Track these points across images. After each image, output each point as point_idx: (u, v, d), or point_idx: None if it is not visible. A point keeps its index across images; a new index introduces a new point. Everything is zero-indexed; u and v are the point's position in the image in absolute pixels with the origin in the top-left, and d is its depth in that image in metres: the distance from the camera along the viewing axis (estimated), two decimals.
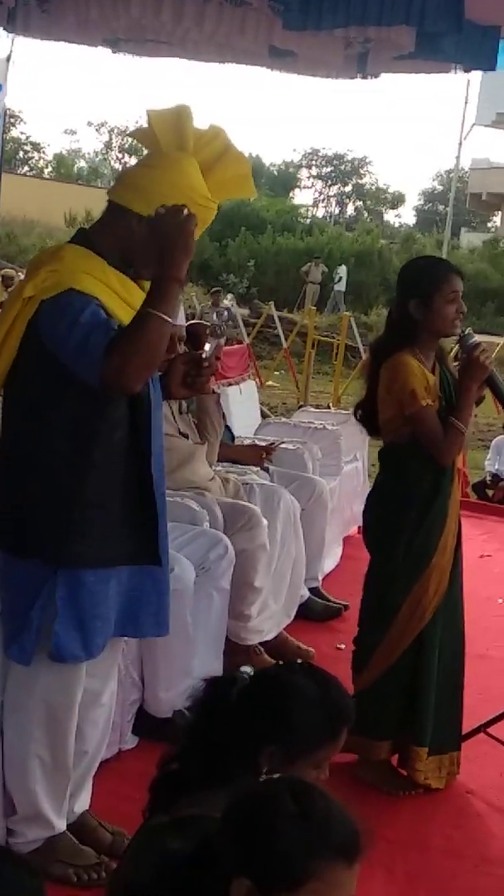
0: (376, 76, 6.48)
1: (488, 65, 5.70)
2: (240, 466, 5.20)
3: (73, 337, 2.63)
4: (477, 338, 3.73)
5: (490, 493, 12.03)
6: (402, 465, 3.76)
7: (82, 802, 3.18)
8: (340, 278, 29.21)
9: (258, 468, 5.30)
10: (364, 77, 6.41)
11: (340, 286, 29.15)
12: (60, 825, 3.03)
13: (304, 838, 1.66)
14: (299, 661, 2.37)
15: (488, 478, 12.28)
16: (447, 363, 3.84)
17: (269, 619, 4.79)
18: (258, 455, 5.32)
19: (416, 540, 3.71)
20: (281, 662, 2.38)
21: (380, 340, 3.89)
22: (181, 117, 2.89)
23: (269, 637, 4.78)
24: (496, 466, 12.27)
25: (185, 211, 2.68)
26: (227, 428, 5.52)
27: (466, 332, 3.71)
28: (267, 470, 5.33)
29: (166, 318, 2.64)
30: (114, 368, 2.60)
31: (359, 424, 4.03)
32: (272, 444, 5.65)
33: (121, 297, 2.75)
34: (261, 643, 4.71)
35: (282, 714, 2.12)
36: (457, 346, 3.89)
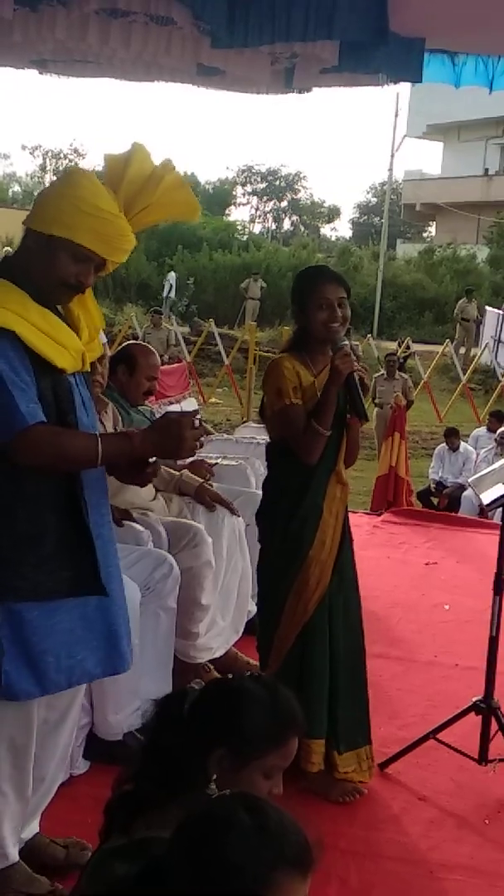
0: (306, 90, 6.54)
1: (415, 76, 5.77)
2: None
3: None
4: (347, 343, 3.78)
5: (435, 500, 12.16)
6: (274, 462, 3.94)
7: (31, 829, 3.15)
8: (171, 286, 29.44)
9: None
10: (293, 92, 6.46)
11: (171, 294, 29.35)
12: (15, 855, 3.00)
13: (260, 852, 1.65)
14: (249, 672, 2.37)
15: (432, 486, 12.41)
16: (335, 366, 3.77)
17: (217, 637, 4.78)
18: (202, 472, 5.30)
19: (288, 535, 3.81)
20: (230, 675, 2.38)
21: (281, 348, 4.06)
22: (130, 156, 2.91)
23: (218, 654, 4.77)
24: (440, 474, 12.41)
25: (196, 423, 2.76)
26: None
27: (339, 337, 3.76)
28: (211, 486, 5.31)
29: (99, 459, 2.73)
30: (24, 451, 2.65)
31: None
32: (213, 464, 5.63)
33: (41, 330, 2.72)
34: (210, 661, 4.69)
35: (230, 716, 2.12)
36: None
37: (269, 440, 4.00)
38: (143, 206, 2.92)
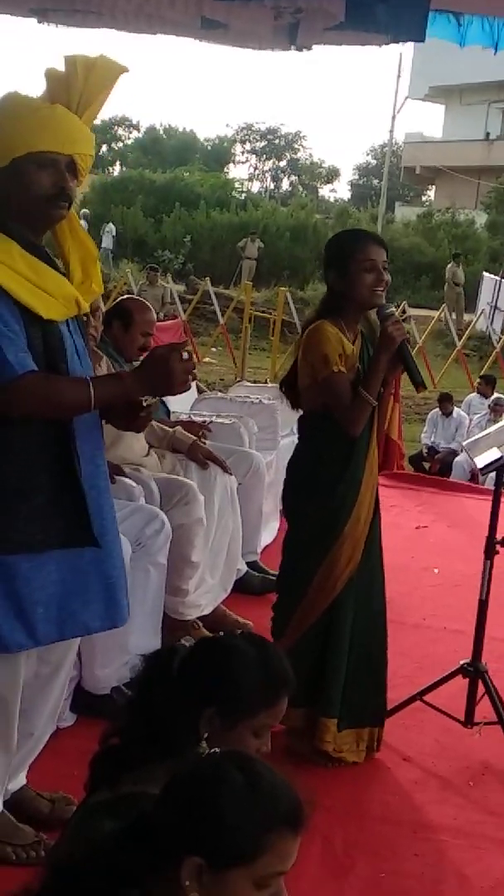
0: (308, 48, 6.46)
1: (417, 36, 5.69)
2: None
3: None
4: (394, 309, 3.73)
5: (426, 465, 12.18)
6: (315, 434, 3.78)
7: (18, 781, 3.16)
8: (112, 235, 29.16)
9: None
10: (296, 49, 6.39)
11: (107, 243, 28.94)
12: None
13: (255, 811, 1.65)
14: (240, 630, 2.37)
15: (424, 451, 12.44)
16: (375, 338, 3.79)
17: (206, 594, 4.79)
18: (195, 431, 5.30)
19: (327, 508, 3.72)
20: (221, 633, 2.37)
21: (309, 315, 3.91)
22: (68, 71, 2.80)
23: (206, 611, 4.79)
24: (432, 439, 12.43)
25: (185, 355, 2.70)
26: (163, 403, 5.48)
27: (384, 304, 3.70)
28: (204, 444, 5.30)
29: (91, 403, 2.68)
30: (15, 402, 2.62)
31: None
32: (206, 422, 5.63)
33: (28, 280, 2.68)
34: (199, 618, 4.71)
35: (221, 675, 2.12)
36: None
37: (304, 411, 3.84)
38: (97, 106, 2.84)
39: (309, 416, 3.82)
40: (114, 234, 29.03)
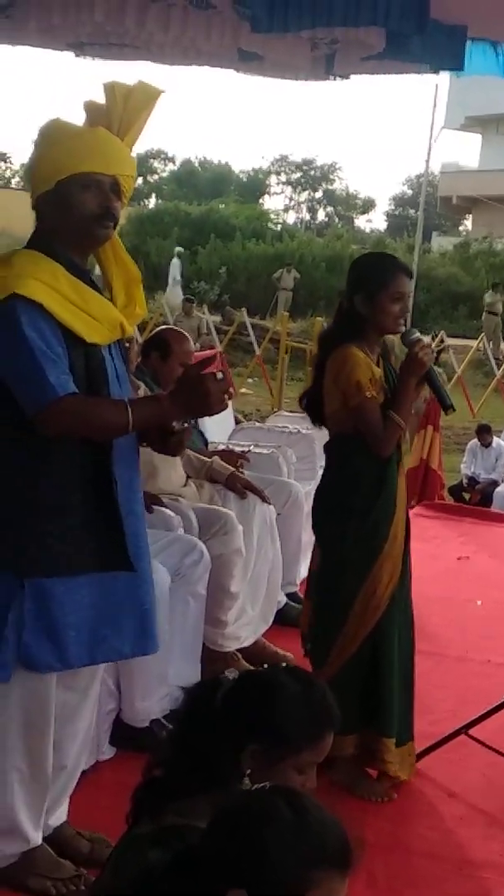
0: (345, 77, 6.48)
1: (455, 65, 5.70)
2: None
3: (17, 357, 2.62)
4: (419, 334, 3.76)
5: (466, 496, 12.08)
6: (347, 457, 3.79)
7: (58, 816, 3.13)
8: (179, 269, 28.79)
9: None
10: (333, 78, 6.40)
11: (175, 273, 28.54)
12: (37, 838, 2.98)
13: (302, 848, 1.63)
14: (284, 663, 2.34)
15: (464, 481, 12.33)
16: (391, 360, 3.90)
17: (246, 626, 4.76)
18: (233, 461, 5.28)
19: (365, 530, 3.72)
20: (265, 666, 2.34)
21: (328, 332, 3.95)
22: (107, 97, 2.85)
23: (246, 643, 4.75)
24: (472, 469, 12.33)
25: (220, 375, 2.71)
26: (201, 433, 5.47)
27: (409, 329, 3.75)
28: (243, 475, 5.27)
29: (131, 426, 2.70)
30: (55, 423, 2.64)
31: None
32: (245, 451, 5.61)
33: (72, 302, 2.71)
34: (238, 649, 4.67)
35: (265, 711, 2.09)
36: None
37: (332, 434, 3.86)
38: (137, 129, 2.88)
39: (337, 440, 3.84)
40: (180, 267, 28.94)
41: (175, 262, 28.60)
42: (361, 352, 3.68)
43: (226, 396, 2.77)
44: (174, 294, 26.70)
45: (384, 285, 3.65)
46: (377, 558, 3.73)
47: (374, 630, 3.75)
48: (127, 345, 3.32)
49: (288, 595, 5.56)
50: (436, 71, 6.12)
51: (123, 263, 2.97)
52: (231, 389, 2.84)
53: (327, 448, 3.92)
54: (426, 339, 3.77)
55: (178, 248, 29.96)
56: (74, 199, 2.74)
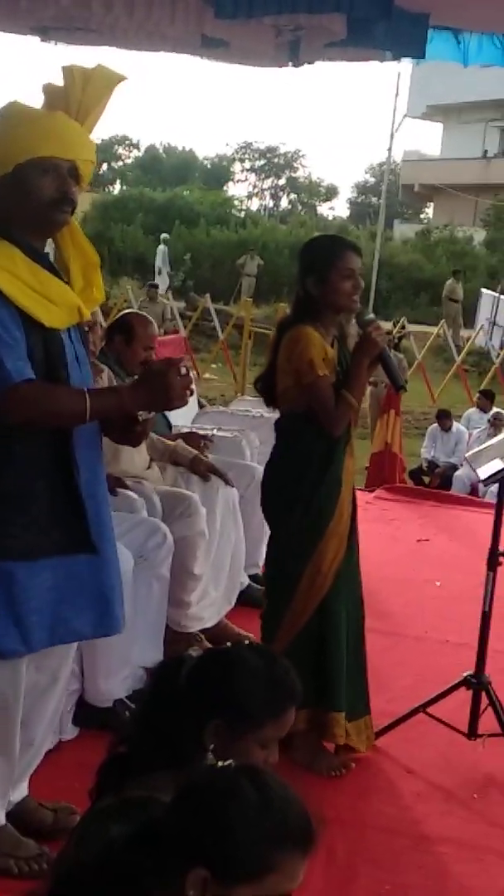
0: (309, 63, 6.50)
1: (417, 52, 5.75)
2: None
3: None
4: (373, 315, 3.82)
5: (427, 479, 12.19)
6: (296, 435, 3.84)
7: (20, 792, 3.15)
8: (164, 258, 28.51)
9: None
10: (296, 65, 6.43)
11: (160, 262, 28.36)
12: (1, 818, 3.00)
13: (265, 828, 1.64)
14: (247, 641, 2.38)
15: (424, 465, 12.46)
16: (346, 342, 3.94)
17: (209, 607, 4.79)
18: (197, 443, 5.31)
19: (311, 507, 3.78)
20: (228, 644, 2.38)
21: (284, 317, 3.98)
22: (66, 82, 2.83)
23: (209, 624, 4.78)
24: (431, 454, 12.46)
25: (184, 370, 2.71)
26: (164, 417, 5.49)
27: (363, 309, 3.80)
28: (206, 458, 5.31)
29: (87, 414, 2.69)
30: (11, 409, 2.62)
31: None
32: (208, 435, 5.65)
33: (30, 287, 2.70)
34: (201, 630, 4.70)
35: (228, 686, 2.12)
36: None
37: (283, 413, 3.91)
38: (96, 114, 2.87)
39: (288, 418, 3.88)
40: (166, 253, 28.62)
41: (161, 248, 28.44)
42: (316, 332, 3.72)
43: (188, 392, 2.76)
44: (162, 281, 26.60)
45: (333, 264, 3.70)
46: (323, 536, 3.78)
47: (320, 606, 3.81)
48: (88, 329, 3.33)
49: (250, 576, 5.60)
50: (398, 58, 6.17)
51: (81, 248, 2.96)
52: (194, 373, 2.85)
53: (277, 426, 3.96)
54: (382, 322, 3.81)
55: (164, 235, 29.67)
56: (32, 184, 2.71)
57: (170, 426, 5.57)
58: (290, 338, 3.75)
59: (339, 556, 3.84)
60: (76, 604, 2.85)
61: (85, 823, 2.10)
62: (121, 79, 2.90)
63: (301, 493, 3.78)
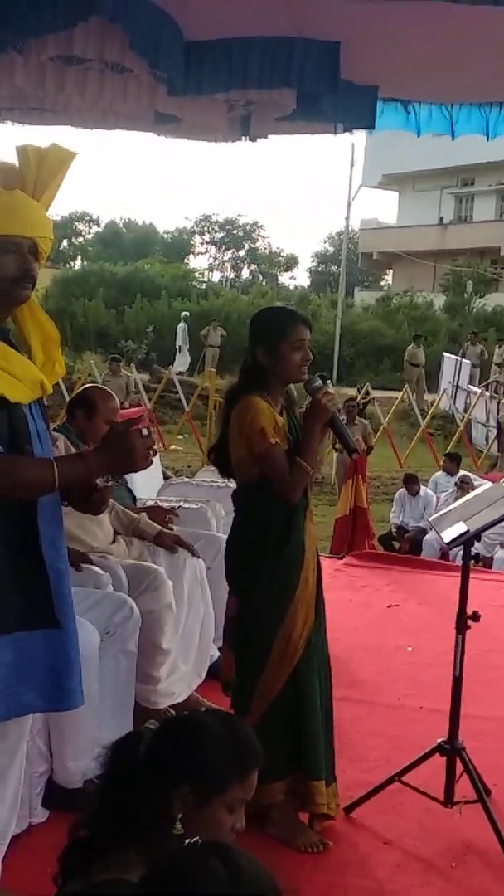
0: (263, 137, 6.60)
1: (367, 123, 5.86)
2: None
3: None
4: (320, 382, 3.84)
5: (396, 544, 12.18)
6: (253, 504, 3.84)
7: None
8: (184, 333, 28.72)
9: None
10: (249, 139, 6.52)
11: (182, 340, 28.62)
12: None
13: None
14: (205, 708, 2.35)
15: (394, 530, 12.45)
16: (294, 409, 3.97)
17: (179, 681, 4.73)
18: (162, 517, 5.28)
19: (276, 575, 3.77)
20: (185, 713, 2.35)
21: (232, 386, 3.99)
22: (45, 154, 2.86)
23: (180, 699, 4.72)
24: (401, 518, 12.45)
25: (145, 432, 2.72)
26: (129, 490, 5.47)
27: (311, 377, 3.82)
28: (172, 530, 5.27)
29: (55, 483, 2.67)
30: None
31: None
32: (174, 507, 5.62)
33: None
34: (172, 706, 4.63)
35: (191, 750, 2.10)
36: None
37: (239, 483, 3.91)
38: (52, 191, 2.88)
39: (244, 488, 3.89)
40: (186, 330, 28.72)
41: (181, 326, 28.54)
42: (264, 401, 3.74)
43: (150, 453, 2.78)
44: (182, 360, 26.78)
45: (283, 335, 3.74)
46: (290, 603, 3.77)
47: (292, 674, 3.79)
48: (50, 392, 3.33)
49: (220, 649, 5.54)
50: (349, 130, 6.28)
51: (40, 323, 2.97)
52: (156, 446, 2.85)
53: (234, 497, 3.96)
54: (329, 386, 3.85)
55: (185, 313, 29.75)
56: None
57: (134, 499, 5.54)
58: (240, 408, 3.77)
59: (309, 622, 3.83)
60: (29, 677, 2.79)
61: None
62: (74, 155, 2.93)
63: (264, 563, 3.77)
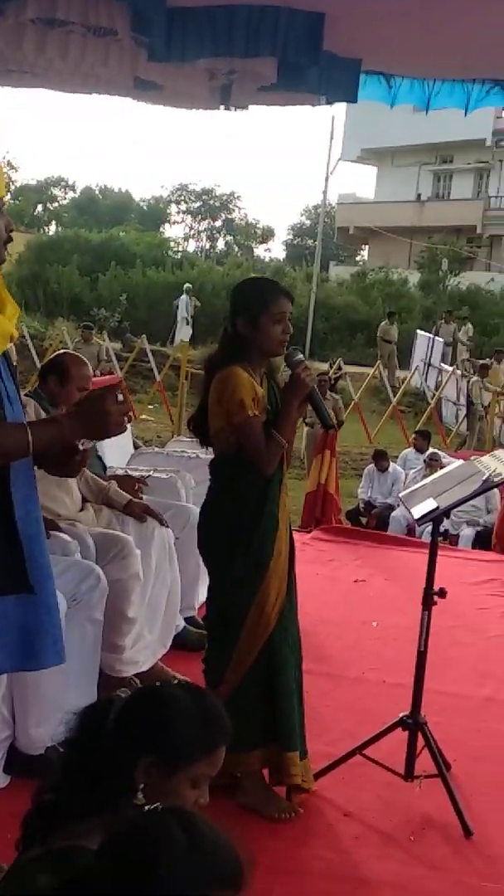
0: (243, 107, 6.57)
1: (349, 96, 5.83)
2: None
3: None
4: (301, 356, 3.84)
5: (364, 520, 12.22)
6: (231, 475, 3.83)
7: None
8: (186, 306, 28.37)
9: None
10: (229, 108, 6.49)
11: (184, 312, 28.31)
12: None
13: (193, 871, 1.61)
14: (177, 680, 2.35)
15: (361, 505, 12.48)
16: (276, 378, 3.96)
17: (144, 650, 4.73)
18: (131, 485, 5.27)
19: (250, 547, 3.78)
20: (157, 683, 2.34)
21: (213, 356, 3.95)
22: None
23: (144, 668, 4.72)
24: (369, 494, 12.49)
25: (120, 397, 2.68)
26: (99, 459, 5.45)
27: (292, 349, 3.82)
28: (141, 500, 5.26)
29: (30, 446, 2.63)
30: None
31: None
32: (144, 477, 5.61)
33: None
34: (136, 675, 4.64)
35: (159, 721, 2.09)
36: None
37: (216, 454, 3.90)
38: None
39: (222, 458, 3.88)
40: (188, 303, 28.39)
41: (183, 298, 28.30)
42: (245, 371, 3.73)
43: (125, 419, 2.77)
44: (185, 332, 26.54)
45: (265, 308, 3.72)
46: (264, 575, 3.78)
47: (266, 646, 3.80)
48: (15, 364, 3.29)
49: (186, 619, 5.55)
50: (331, 102, 6.25)
51: None
52: (131, 413, 2.83)
53: (211, 467, 3.95)
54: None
55: (187, 285, 29.36)
56: None
57: (105, 468, 5.52)
58: (220, 378, 3.75)
59: (282, 594, 3.84)
60: (12, 641, 2.78)
61: (10, 876, 2.04)
62: None
63: (239, 533, 3.77)
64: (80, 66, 5.81)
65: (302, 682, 4.00)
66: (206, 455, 6.59)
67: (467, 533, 10.93)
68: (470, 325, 27.20)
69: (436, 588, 3.97)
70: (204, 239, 64.77)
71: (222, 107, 6.33)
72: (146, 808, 1.80)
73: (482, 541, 10.66)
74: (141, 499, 5.13)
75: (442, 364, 23.71)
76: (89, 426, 2.75)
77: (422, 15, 5.02)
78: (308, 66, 5.34)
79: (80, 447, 2.88)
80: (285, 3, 5.10)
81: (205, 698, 2.21)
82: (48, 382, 4.66)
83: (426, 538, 9.27)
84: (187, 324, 27.65)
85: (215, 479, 3.92)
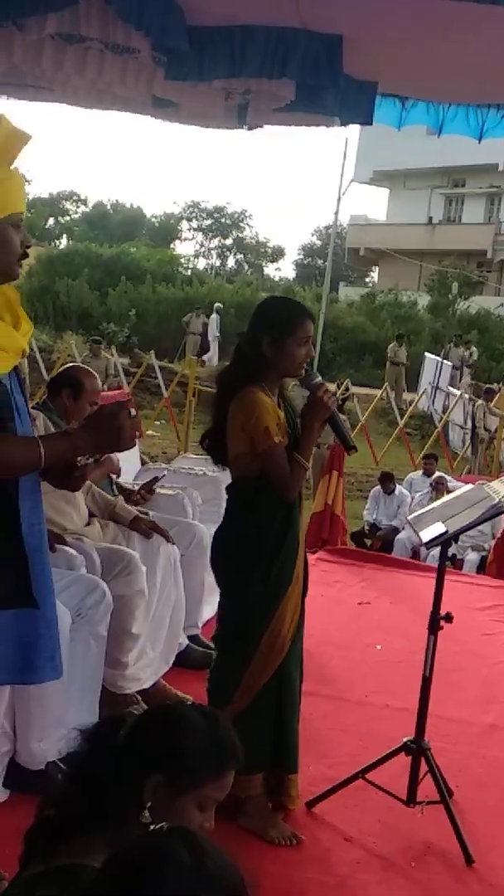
0: (259, 127, 6.58)
1: (365, 119, 5.84)
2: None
3: None
4: (319, 378, 3.83)
5: (368, 542, 12.19)
6: (253, 500, 3.78)
7: None
8: (217, 324, 28.63)
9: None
10: (245, 128, 6.50)
11: (214, 330, 28.55)
12: None
13: (199, 893, 1.59)
14: (190, 701, 2.34)
15: (366, 527, 12.45)
16: (287, 397, 3.93)
17: (147, 667, 4.71)
18: (145, 489, 5.29)
19: (271, 572, 3.74)
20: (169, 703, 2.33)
21: (228, 373, 3.92)
22: None
23: (147, 685, 4.70)
24: (374, 516, 12.46)
25: (133, 412, 2.71)
26: (110, 478, 5.44)
27: (311, 372, 3.80)
28: (146, 514, 5.25)
29: (42, 459, 2.65)
30: None
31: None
32: (152, 479, 5.62)
33: None
34: (138, 692, 4.62)
35: (171, 740, 2.08)
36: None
37: (235, 477, 3.85)
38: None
39: (241, 483, 3.83)
40: (218, 322, 28.31)
41: (214, 317, 28.32)
42: (265, 395, 3.69)
43: (136, 434, 2.77)
44: (214, 351, 26.85)
45: (292, 330, 3.68)
46: (282, 601, 3.75)
47: (277, 670, 3.78)
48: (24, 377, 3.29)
49: (190, 637, 5.53)
50: (346, 124, 6.26)
51: (4, 294, 2.93)
52: (140, 429, 2.85)
53: (230, 491, 3.90)
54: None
55: (218, 305, 29.43)
56: (9, 239, 2.69)
57: (112, 483, 5.51)
58: (243, 403, 3.68)
59: (296, 617, 3.82)
60: (14, 655, 2.77)
61: (12, 891, 2.02)
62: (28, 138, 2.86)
63: (259, 556, 3.73)
64: (97, 83, 5.83)
65: (300, 698, 3.97)
66: (214, 473, 6.61)
67: (472, 558, 10.89)
68: (474, 349, 27.24)
69: (442, 612, 3.95)
70: (214, 256, 64.95)
71: (239, 126, 6.35)
72: (152, 827, 1.78)
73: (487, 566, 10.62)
74: (147, 514, 5.12)
75: (450, 387, 23.71)
76: (102, 440, 2.76)
77: (438, 37, 5.03)
78: (326, 87, 5.34)
79: (79, 463, 2.89)
80: (303, 24, 5.11)
81: (217, 721, 2.19)
82: (61, 396, 4.65)
83: (431, 562, 9.25)
84: (214, 342, 27.66)
85: (236, 503, 3.87)
